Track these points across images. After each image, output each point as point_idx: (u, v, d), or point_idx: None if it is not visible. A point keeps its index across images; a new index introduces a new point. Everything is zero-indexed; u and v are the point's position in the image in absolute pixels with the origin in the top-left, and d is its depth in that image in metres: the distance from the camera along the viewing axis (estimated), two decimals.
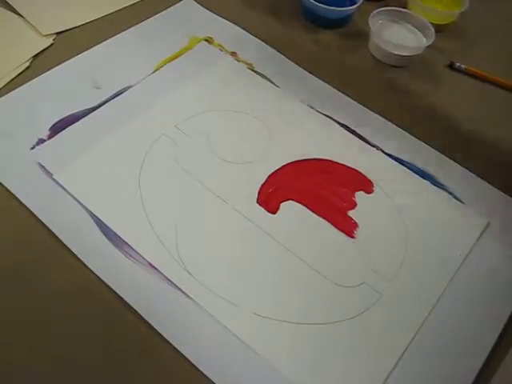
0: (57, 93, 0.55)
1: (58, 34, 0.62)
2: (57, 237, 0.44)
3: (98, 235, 0.45)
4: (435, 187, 0.52)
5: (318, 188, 0.51)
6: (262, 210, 0.49)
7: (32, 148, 0.50)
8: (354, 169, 0.53)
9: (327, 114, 0.57)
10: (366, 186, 0.51)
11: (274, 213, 0.49)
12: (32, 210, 0.46)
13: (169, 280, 0.43)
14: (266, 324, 0.42)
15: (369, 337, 0.42)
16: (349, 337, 0.42)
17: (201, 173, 0.50)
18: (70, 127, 0.52)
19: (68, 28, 0.62)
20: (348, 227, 0.48)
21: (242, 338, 0.41)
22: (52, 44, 0.60)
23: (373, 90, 0.61)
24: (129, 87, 0.57)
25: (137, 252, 0.44)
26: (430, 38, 0.64)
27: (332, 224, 0.48)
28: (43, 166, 0.49)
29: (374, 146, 0.55)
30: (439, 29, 0.67)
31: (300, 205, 0.49)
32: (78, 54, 0.59)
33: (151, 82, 0.58)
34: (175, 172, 0.50)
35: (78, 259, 0.43)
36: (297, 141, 0.54)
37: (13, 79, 0.56)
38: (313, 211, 0.49)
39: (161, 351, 0.40)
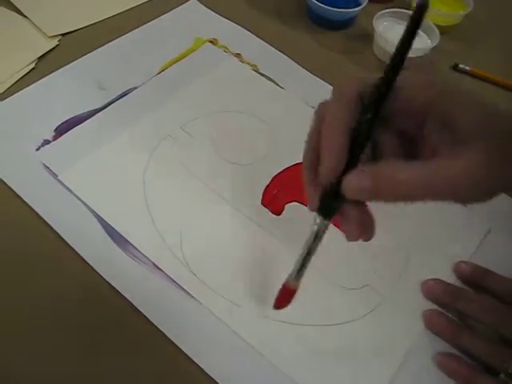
0: (62, 94, 0.55)
1: (63, 35, 0.62)
2: (61, 237, 0.44)
3: (103, 236, 0.45)
4: None
5: None
6: (267, 211, 0.49)
7: (37, 149, 0.50)
8: None
9: None
10: None
11: (278, 214, 0.49)
12: (37, 210, 0.46)
13: (173, 280, 0.43)
14: (269, 325, 0.42)
15: (372, 339, 0.42)
16: (352, 339, 0.42)
17: (205, 174, 0.50)
18: (75, 128, 0.52)
19: (73, 29, 0.63)
20: None
21: (245, 338, 0.41)
22: (57, 45, 0.61)
23: None
24: (134, 88, 0.57)
25: (141, 253, 0.44)
26: (434, 39, 0.64)
27: (335, 225, 0.48)
28: (48, 167, 0.49)
29: None
30: (444, 30, 0.67)
31: (304, 206, 0.49)
32: (83, 55, 0.59)
33: (156, 83, 0.58)
34: (180, 173, 0.50)
35: (83, 259, 0.43)
36: (301, 142, 0.54)
37: (18, 81, 0.56)
38: None
39: (164, 350, 0.40)
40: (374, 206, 0.49)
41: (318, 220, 0.34)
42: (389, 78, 0.29)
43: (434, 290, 0.44)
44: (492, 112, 0.31)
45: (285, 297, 0.40)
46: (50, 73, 0.57)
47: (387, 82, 0.29)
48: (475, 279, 0.45)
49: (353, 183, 0.30)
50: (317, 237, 0.35)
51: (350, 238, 0.34)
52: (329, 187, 0.32)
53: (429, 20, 0.66)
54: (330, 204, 0.33)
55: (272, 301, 0.42)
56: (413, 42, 0.28)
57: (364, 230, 0.34)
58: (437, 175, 0.29)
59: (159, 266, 0.44)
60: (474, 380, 0.39)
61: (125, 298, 0.42)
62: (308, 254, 0.36)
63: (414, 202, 0.30)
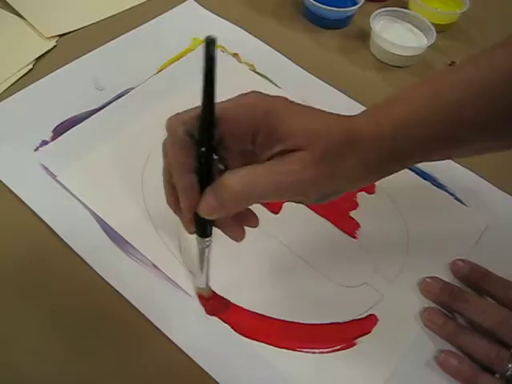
0: (60, 95, 0.55)
1: (60, 36, 0.62)
2: (61, 238, 0.45)
3: (102, 236, 0.45)
4: (436, 188, 0.52)
5: None
6: (265, 210, 0.49)
7: (35, 150, 0.50)
8: None
9: None
10: (368, 186, 0.52)
11: (276, 213, 0.49)
12: (35, 211, 0.46)
13: (172, 281, 0.43)
14: (268, 322, 0.42)
15: (371, 337, 0.42)
16: None
17: None
18: (73, 129, 0.52)
19: (71, 30, 0.63)
20: (350, 227, 0.48)
21: (245, 337, 0.41)
22: (55, 46, 0.61)
23: (374, 91, 0.62)
24: (131, 89, 0.57)
25: (140, 253, 0.45)
26: (431, 38, 0.65)
27: (334, 224, 0.49)
28: (47, 168, 0.49)
29: None
30: (440, 29, 0.67)
31: (302, 205, 0.49)
32: (80, 55, 0.59)
33: (154, 83, 0.58)
34: None
35: (82, 259, 0.44)
36: None
37: (16, 82, 0.56)
38: (314, 211, 0.49)
39: (164, 350, 0.40)
40: (374, 205, 0.50)
41: (199, 240, 0.37)
42: (206, 109, 0.32)
43: (432, 289, 0.44)
44: (319, 124, 0.34)
45: (206, 303, 0.42)
46: (47, 74, 0.57)
47: (207, 115, 0.32)
48: (473, 279, 0.45)
49: (203, 207, 0.33)
50: (203, 254, 0.38)
51: (240, 239, 0.37)
52: (194, 216, 0.35)
53: (425, 18, 0.66)
54: (204, 226, 0.36)
55: (271, 299, 0.42)
56: (214, 76, 0.31)
57: (247, 224, 0.37)
58: (263, 177, 0.32)
59: (158, 266, 0.44)
60: (475, 379, 0.39)
61: (123, 297, 0.42)
62: (202, 268, 0.40)
63: (262, 201, 0.34)
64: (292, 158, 0.32)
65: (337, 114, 0.35)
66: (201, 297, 0.42)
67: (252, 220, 0.37)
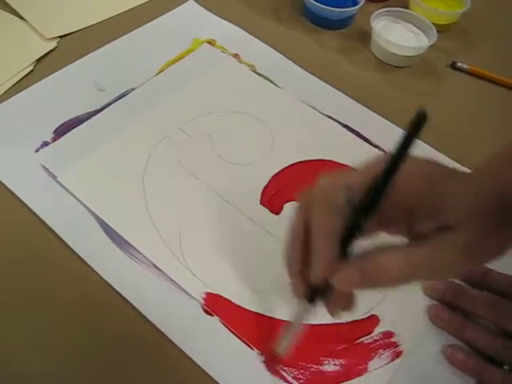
0: (60, 96, 0.55)
1: (61, 37, 0.62)
2: (61, 238, 0.45)
3: (103, 237, 0.45)
4: None
5: None
6: (266, 210, 0.49)
7: (36, 151, 0.50)
8: None
9: (329, 114, 0.57)
10: None
11: (277, 214, 0.49)
12: (36, 211, 0.46)
13: (172, 281, 0.43)
14: (270, 324, 0.42)
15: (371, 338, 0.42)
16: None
17: (204, 174, 0.51)
18: (73, 130, 0.52)
19: (71, 31, 0.63)
20: None
21: (244, 337, 0.41)
22: (55, 47, 0.61)
23: (375, 91, 0.62)
24: (132, 89, 0.57)
25: (141, 253, 0.45)
26: (431, 38, 0.65)
27: None
28: (47, 169, 0.49)
29: (376, 146, 0.55)
30: (441, 29, 0.67)
31: None
32: (81, 57, 0.59)
33: (154, 84, 0.58)
34: (179, 174, 0.50)
35: (82, 260, 0.44)
36: (299, 142, 0.55)
37: (17, 83, 0.56)
38: None
39: (165, 351, 0.40)
40: None
41: (302, 305, 0.36)
42: (384, 182, 0.29)
43: (435, 288, 0.44)
44: (481, 196, 0.30)
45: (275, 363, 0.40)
46: (48, 75, 0.57)
47: (382, 188, 0.29)
48: (475, 278, 0.45)
49: (343, 279, 0.31)
50: (300, 320, 0.37)
51: (334, 316, 0.36)
52: (319, 284, 0.33)
53: (426, 18, 0.66)
54: (318, 294, 0.35)
55: (273, 300, 0.42)
56: (410, 148, 0.27)
57: (347, 307, 0.35)
58: (421, 266, 0.30)
59: (158, 267, 0.44)
60: (483, 371, 0.40)
61: (124, 298, 0.42)
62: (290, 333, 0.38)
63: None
64: (448, 241, 0.30)
65: (484, 179, 0.31)
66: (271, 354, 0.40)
67: (354, 301, 0.35)
